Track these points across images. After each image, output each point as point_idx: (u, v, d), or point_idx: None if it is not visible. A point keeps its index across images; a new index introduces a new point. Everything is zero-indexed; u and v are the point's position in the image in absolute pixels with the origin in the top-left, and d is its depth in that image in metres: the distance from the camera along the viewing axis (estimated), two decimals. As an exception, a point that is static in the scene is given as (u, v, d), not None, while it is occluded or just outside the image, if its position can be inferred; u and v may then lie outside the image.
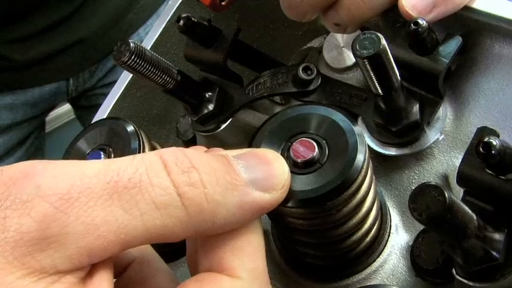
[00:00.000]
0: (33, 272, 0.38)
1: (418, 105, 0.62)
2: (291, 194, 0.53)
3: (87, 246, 0.39)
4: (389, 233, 0.64)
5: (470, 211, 0.48)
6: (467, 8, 0.63)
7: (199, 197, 0.42)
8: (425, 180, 0.53)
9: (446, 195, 0.44)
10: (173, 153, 0.43)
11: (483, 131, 0.53)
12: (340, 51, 0.75)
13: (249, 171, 0.45)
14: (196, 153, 0.44)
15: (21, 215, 0.38)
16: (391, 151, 0.65)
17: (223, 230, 0.45)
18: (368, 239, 0.62)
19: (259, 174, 0.46)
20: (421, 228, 0.61)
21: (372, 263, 0.63)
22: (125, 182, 0.40)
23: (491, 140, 0.48)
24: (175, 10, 0.77)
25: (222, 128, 0.71)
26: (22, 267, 0.38)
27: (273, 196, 0.46)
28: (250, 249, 0.46)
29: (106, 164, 0.41)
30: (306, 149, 0.54)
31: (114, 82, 0.81)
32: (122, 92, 0.77)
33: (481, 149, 0.48)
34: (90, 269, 0.42)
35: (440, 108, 0.64)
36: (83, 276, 0.41)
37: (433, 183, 0.45)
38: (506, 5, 0.61)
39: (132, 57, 0.62)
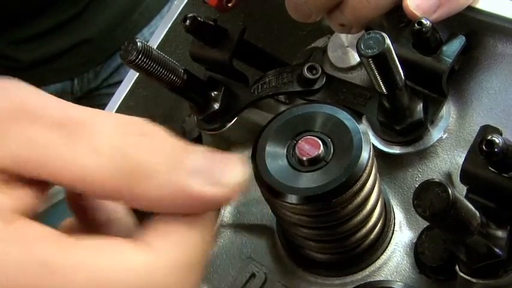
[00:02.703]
0: None
1: (421, 104, 0.63)
2: (296, 191, 0.53)
3: None
4: (393, 230, 0.64)
5: (473, 208, 0.49)
6: (470, 8, 0.63)
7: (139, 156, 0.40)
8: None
9: (450, 191, 0.44)
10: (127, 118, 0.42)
11: (486, 129, 0.53)
12: (345, 50, 0.76)
13: (200, 161, 0.42)
14: (152, 125, 0.42)
15: None
16: (395, 150, 0.65)
17: (155, 205, 0.41)
18: (372, 236, 0.62)
19: (209, 166, 0.42)
20: (425, 226, 0.62)
21: (375, 260, 0.63)
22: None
23: (494, 138, 0.49)
24: (181, 10, 0.78)
25: (227, 126, 0.72)
26: None
27: (216, 190, 0.41)
28: (177, 238, 0.42)
29: None
30: (311, 146, 0.55)
31: (119, 82, 0.82)
32: (128, 91, 0.77)
33: (484, 147, 0.49)
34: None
35: (444, 107, 0.65)
36: None
37: (437, 180, 0.45)
38: (509, 5, 0.62)
39: (139, 56, 0.62)
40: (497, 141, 0.49)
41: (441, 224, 0.47)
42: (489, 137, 0.49)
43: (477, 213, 0.49)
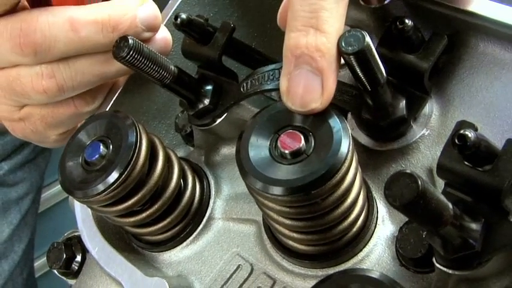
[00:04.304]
0: None
1: (404, 101, 0.64)
2: (277, 182, 0.55)
3: None
4: (376, 224, 0.66)
5: (445, 199, 0.50)
6: (453, 8, 0.65)
7: None
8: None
9: (420, 182, 0.46)
10: None
11: (462, 124, 0.54)
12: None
13: None
14: None
15: None
16: (379, 145, 0.67)
17: None
18: (354, 229, 0.64)
19: None
20: (406, 220, 0.63)
21: (358, 252, 0.65)
22: None
23: (466, 133, 0.50)
24: (175, 9, 0.80)
25: (217, 122, 0.74)
26: None
27: None
28: None
29: None
30: (292, 140, 0.57)
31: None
32: (123, 87, 0.79)
33: (456, 141, 0.50)
34: None
35: (427, 105, 0.66)
36: None
37: (408, 171, 0.47)
38: (490, 6, 0.63)
39: (131, 52, 0.64)
40: (469, 135, 0.50)
41: (412, 213, 0.48)
42: (462, 131, 0.50)
43: (449, 204, 0.50)
